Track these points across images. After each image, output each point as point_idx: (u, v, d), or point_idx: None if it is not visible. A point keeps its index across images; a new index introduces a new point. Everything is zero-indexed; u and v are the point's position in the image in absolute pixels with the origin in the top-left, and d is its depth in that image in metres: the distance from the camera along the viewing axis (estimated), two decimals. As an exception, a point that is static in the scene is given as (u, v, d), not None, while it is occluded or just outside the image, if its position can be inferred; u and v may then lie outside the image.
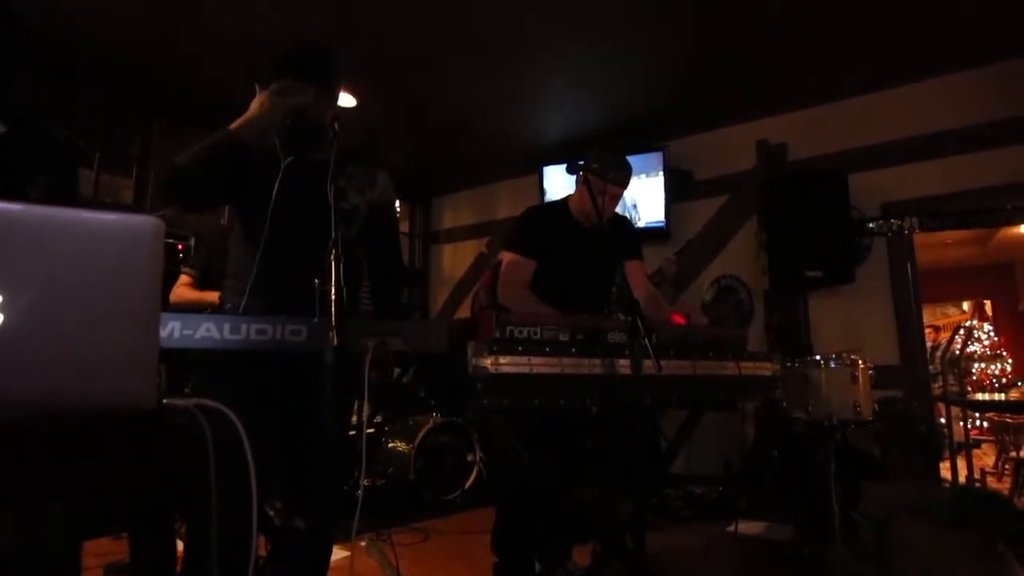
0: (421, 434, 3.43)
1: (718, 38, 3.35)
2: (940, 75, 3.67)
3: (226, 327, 1.11)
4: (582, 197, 2.15)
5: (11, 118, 1.44)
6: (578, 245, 2.15)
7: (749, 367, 1.91)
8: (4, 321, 0.62)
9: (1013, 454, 4.27)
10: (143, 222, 0.67)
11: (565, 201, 2.27)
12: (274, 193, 1.49)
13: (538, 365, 1.41)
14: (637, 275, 2.24)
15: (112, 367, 0.64)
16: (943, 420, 3.80)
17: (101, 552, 2.13)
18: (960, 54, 3.49)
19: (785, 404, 2.50)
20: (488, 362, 1.33)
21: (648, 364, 1.47)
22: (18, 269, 0.63)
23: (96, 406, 0.65)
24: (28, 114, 1.50)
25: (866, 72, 3.71)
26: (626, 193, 2.26)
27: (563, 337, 1.51)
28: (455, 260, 5.95)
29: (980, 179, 3.51)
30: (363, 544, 2.76)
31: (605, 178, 2.06)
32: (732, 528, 2.79)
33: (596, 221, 2.00)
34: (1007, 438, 4.52)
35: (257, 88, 1.53)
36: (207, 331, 1.09)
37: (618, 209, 2.34)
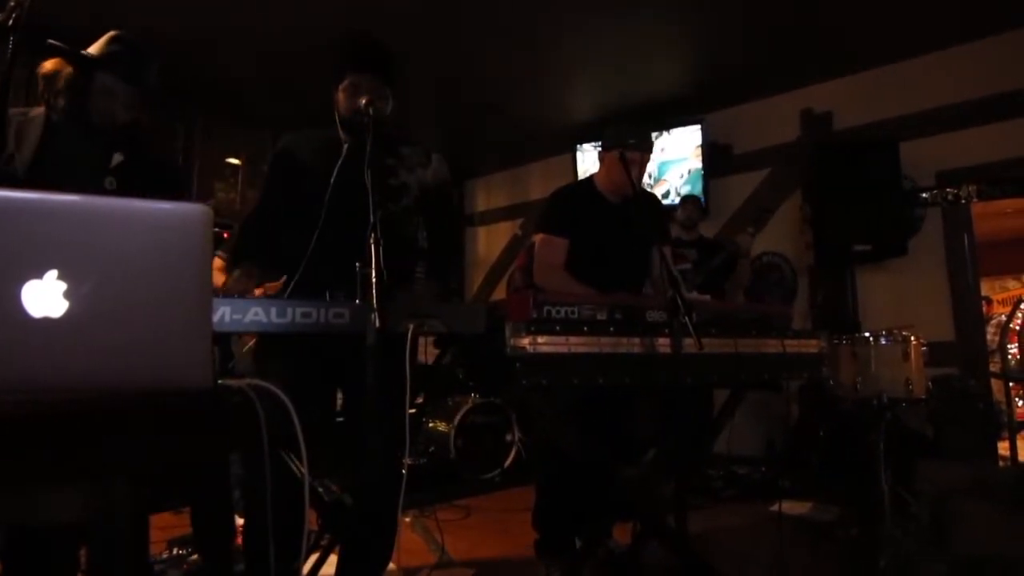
0: (460, 414, 3.48)
1: (757, 2, 3.20)
2: (998, 34, 3.43)
3: (273, 311, 1.15)
4: (608, 173, 2.13)
5: (130, 148, 1.52)
6: (608, 221, 2.14)
7: (793, 345, 1.86)
8: (69, 308, 0.66)
9: (1079, 433, 4.05)
10: (193, 210, 0.70)
11: (591, 179, 2.25)
12: (332, 179, 1.54)
13: (576, 345, 1.40)
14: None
15: (170, 350, 0.67)
16: (1001, 398, 3.62)
17: (164, 526, 2.25)
18: (1020, 9, 3.25)
19: (832, 382, 2.43)
20: (526, 342, 1.33)
21: (689, 342, 1.45)
22: (81, 258, 0.66)
23: (156, 387, 0.68)
24: (143, 143, 1.58)
25: (918, 33, 3.49)
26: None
27: (601, 316, 1.50)
28: (489, 242, 5.96)
29: (1045, 143, 3.29)
30: (408, 520, 2.84)
31: (629, 147, 2.03)
32: (776, 508, 2.75)
33: (626, 192, 2.02)
34: (1072, 417, 4.29)
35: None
36: (255, 315, 1.13)
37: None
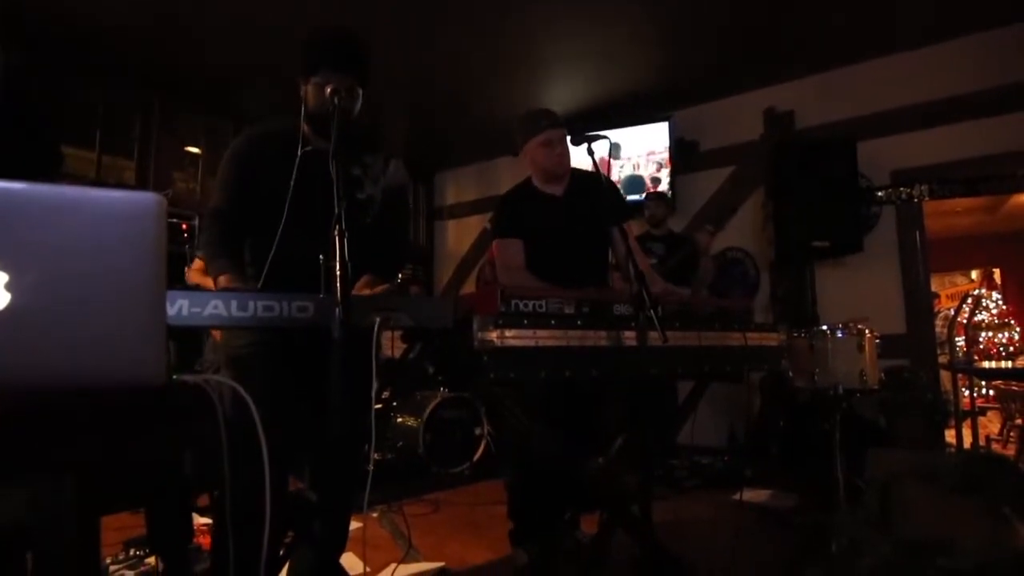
0: (429, 409, 3.47)
1: (724, 2, 3.26)
2: (952, 38, 3.58)
3: (233, 304, 1.12)
4: (535, 164, 2.16)
5: None
6: (555, 215, 2.15)
7: (755, 338, 1.91)
8: (12, 300, 0.62)
9: (1018, 421, 4.29)
10: (146, 199, 0.67)
11: (528, 180, 2.26)
12: (292, 181, 1.51)
13: (544, 338, 1.41)
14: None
15: (120, 344, 0.65)
16: (948, 388, 3.80)
17: (121, 527, 2.18)
18: (974, 16, 3.39)
19: (791, 374, 2.51)
20: (494, 336, 1.33)
21: (654, 336, 1.48)
22: (24, 247, 0.63)
23: (106, 383, 0.66)
24: None
25: (876, 36, 3.62)
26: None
27: (568, 310, 1.51)
28: (459, 236, 5.93)
29: (992, 145, 3.45)
30: (375, 515, 2.82)
31: (543, 131, 2.07)
32: (737, 497, 2.83)
33: (559, 172, 2.11)
34: (1012, 406, 4.54)
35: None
36: (215, 308, 1.10)
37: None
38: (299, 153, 1.55)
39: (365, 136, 1.69)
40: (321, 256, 1.27)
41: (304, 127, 1.61)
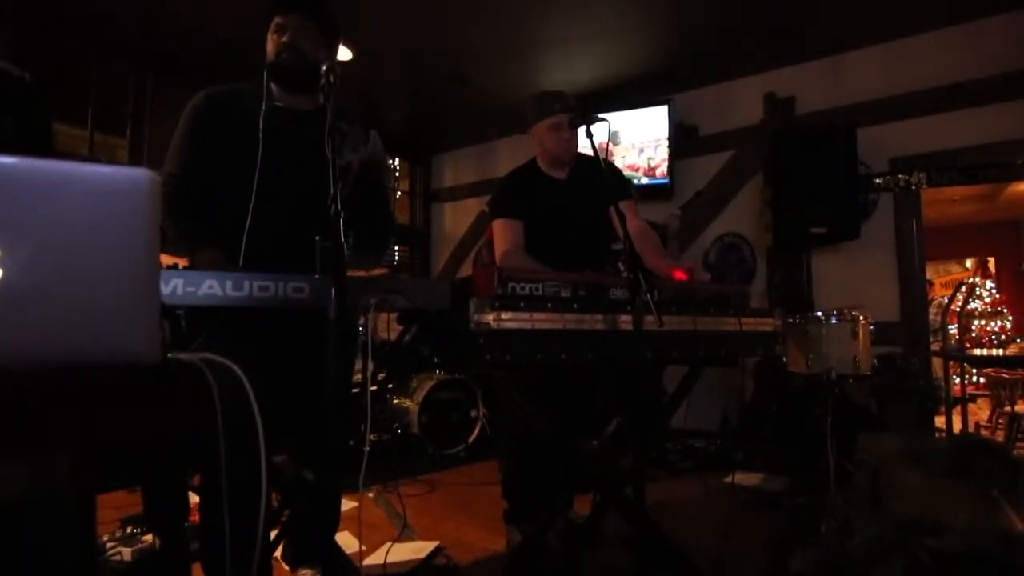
0: (425, 391, 3.49)
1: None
2: (953, 25, 3.54)
3: (229, 284, 1.11)
4: (542, 146, 2.15)
5: None
6: (557, 198, 2.15)
7: (750, 323, 1.91)
8: (4, 277, 0.62)
9: (1008, 408, 4.34)
10: (139, 174, 0.66)
11: (533, 161, 2.25)
12: (259, 144, 1.46)
13: (540, 321, 1.41)
14: (629, 214, 2.20)
15: (114, 320, 0.64)
16: (940, 375, 3.84)
17: (118, 504, 2.20)
18: (975, 2, 3.36)
19: (785, 359, 2.52)
20: (490, 318, 1.33)
21: (649, 319, 1.48)
22: (16, 222, 0.62)
23: (99, 361, 0.65)
24: None
25: (877, 22, 3.58)
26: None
27: (565, 293, 1.51)
28: (456, 218, 5.90)
29: (991, 133, 3.43)
30: (371, 495, 2.84)
31: (553, 114, 2.05)
32: (729, 479, 2.86)
33: (563, 157, 2.10)
34: (1002, 393, 4.58)
35: None
36: (210, 288, 1.09)
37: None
38: (263, 106, 1.50)
39: (341, 102, 1.65)
40: (317, 237, 1.26)
41: (274, 88, 1.55)
